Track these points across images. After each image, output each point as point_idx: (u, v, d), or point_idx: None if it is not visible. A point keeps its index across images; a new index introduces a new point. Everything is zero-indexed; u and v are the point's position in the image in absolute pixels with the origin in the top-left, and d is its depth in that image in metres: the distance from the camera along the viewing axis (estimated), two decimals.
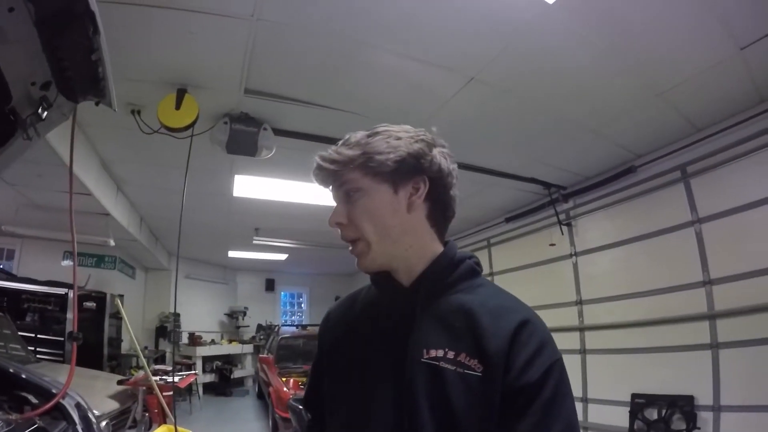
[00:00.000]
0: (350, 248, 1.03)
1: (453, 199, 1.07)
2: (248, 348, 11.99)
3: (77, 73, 1.76)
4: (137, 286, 10.60)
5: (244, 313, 12.53)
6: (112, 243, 7.27)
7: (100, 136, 4.57)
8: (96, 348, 7.41)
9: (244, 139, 3.88)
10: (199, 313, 11.36)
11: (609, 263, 5.42)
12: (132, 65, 3.22)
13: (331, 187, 1.05)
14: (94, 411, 3.67)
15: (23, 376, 1.97)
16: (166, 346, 10.34)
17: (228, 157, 4.26)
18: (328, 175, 1.02)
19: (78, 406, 1.94)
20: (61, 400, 1.83)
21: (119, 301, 5.28)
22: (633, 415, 4.74)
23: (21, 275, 7.97)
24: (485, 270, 7.35)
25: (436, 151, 1.02)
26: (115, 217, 6.16)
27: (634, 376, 4.89)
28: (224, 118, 3.84)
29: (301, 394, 5.49)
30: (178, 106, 3.41)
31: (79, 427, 1.82)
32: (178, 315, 10.36)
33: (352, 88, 3.55)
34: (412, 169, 0.99)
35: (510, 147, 4.63)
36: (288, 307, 14.41)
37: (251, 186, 5.69)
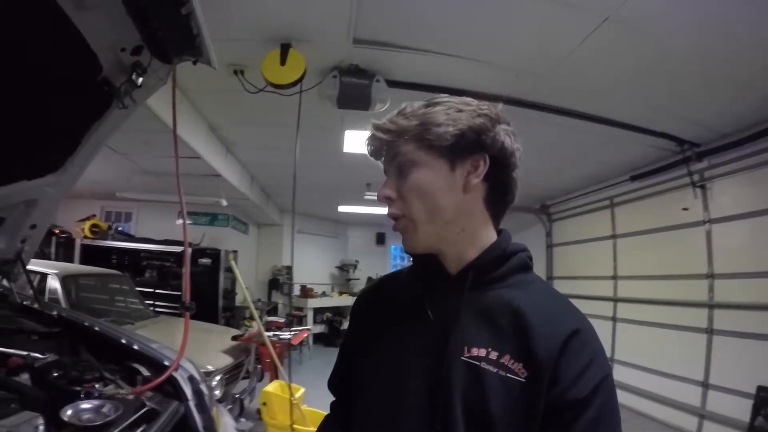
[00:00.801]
0: (394, 227, 0.97)
1: (515, 183, 0.99)
2: None
3: (168, 32, 1.59)
4: (250, 241, 11.13)
5: (355, 266, 12.74)
6: (224, 203, 7.61)
7: (204, 100, 4.59)
8: (211, 301, 7.81)
9: (355, 92, 3.65)
10: (311, 266, 11.63)
11: (747, 235, 4.72)
12: (231, 24, 3.09)
13: (383, 159, 0.99)
14: (208, 366, 3.79)
15: (135, 347, 1.96)
16: (278, 298, 10.84)
17: (338, 112, 4.11)
18: (381, 145, 0.97)
19: (191, 378, 1.87)
20: (174, 373, 1.78)
21: (233, 259, 5.39)
22: (756, 410, 4.24)
23: (139, 236, 8.57)
24: (607, 232, 6.54)
25: (499, 128, 0.94)
26: (225, 178, 6.35)
27: (764, 366, 4.35)
28: (333, 72, 3.62)
29: None
30: (283, 62, 3.23)
31: (191, 404, 1.76)
32: (290, 268, 10.68)
33: (474, 32, 3.17)
34: (472, 145, 0.92)
35: (640, 97, 4.05)
36: (398, 261, 14.35)
37: (362, 141, 5.38)
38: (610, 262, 6.52)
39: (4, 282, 2.22)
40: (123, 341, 2.01)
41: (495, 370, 0.85)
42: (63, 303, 4.25)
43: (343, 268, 12.77)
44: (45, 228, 2.21)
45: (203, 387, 1.95)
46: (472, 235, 0.95)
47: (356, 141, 5.49)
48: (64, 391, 1.53)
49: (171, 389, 1.76)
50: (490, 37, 3.21)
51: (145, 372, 1.84)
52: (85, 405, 1.42)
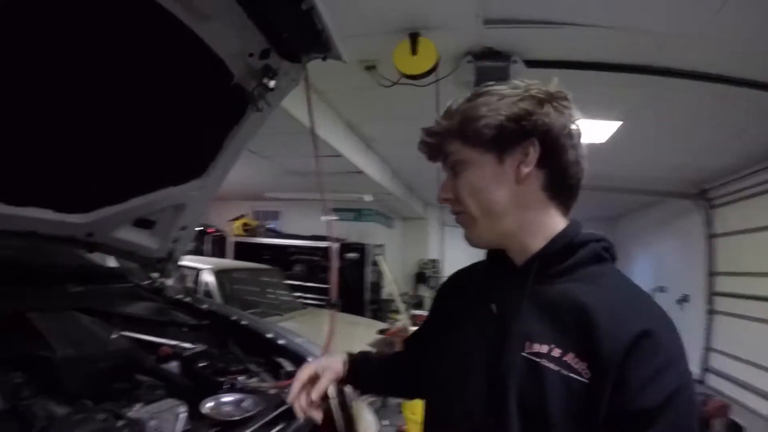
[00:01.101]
0: (459, 222, 0.97)
1: (575, 163, 0.92)
2: None
3: (292, 32, 1.62)
4: (396, 235, 11.40)
5: None
6: (368, 198, 7.85)
7: (340, 99, 4.67)
8: (358, 294, 8.11)
9: (493, 76, 3.36)
10: (458, 258, 11.32)
11: None
12: (356, 19, 3.06)
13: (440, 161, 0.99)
14: None
15: (280, 342, 2.02)
16: (424, 292, 10.93)
17: None
18: (430, 149, 0.99)
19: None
20: None
21: (381, 256, 5.53)
22: None
23: (287, 233, 9.13)
24: None
25: (548, 107, 0.88)
26: (368, 174, 6.52)
27: None
28: (467, 57, 3.46)
29: None
30: (414, 52, 3.16)
31: (332, 402, 1.75)
32: (436, 261, 10.96)
33: None
34: (515, 133, 0.88)
35: None
36: None
37: None
38: None
39: (159, 278, 2.42)
40: (269, 335, 2.08)
41: (557, 368, 0.81)
42: (216, 295, 4.64)
43: None
44: (194, 228, 2.39)
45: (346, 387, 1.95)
46: (534, 226, 0.92)
47: None
48: (208, 381, 1.61)
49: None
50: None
51: (289, 367, 1.87)
52: (226, 398, 1.47)
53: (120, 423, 1.19)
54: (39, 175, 1.65)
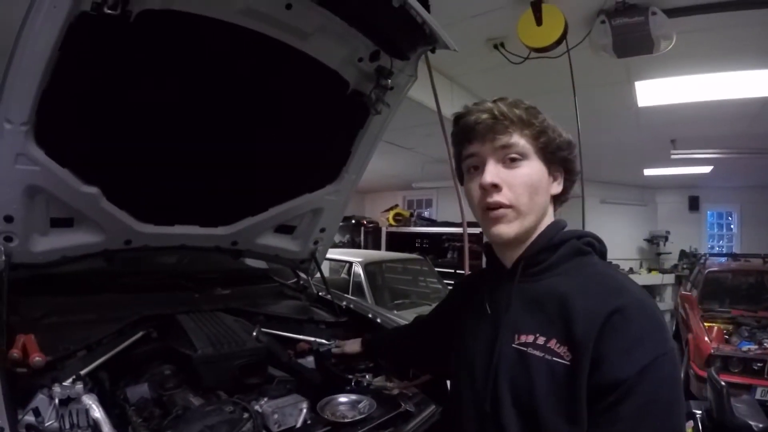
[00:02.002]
0: (491, 213, 1.00)
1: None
2: (669, 278, 10.77)
3: (394, 30, 1.70)
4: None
5: (666, 238, 11.24)
6: None
7: (473, 81, 4.65)
8: None
9: (632, 34, 3.14)
10: (618, 238, 10.57)
11: None
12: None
13: (480, 144, 1.01)
14: None
15: None
16: None
17: (620, 62, 3.65)
18: (495, 127, 0.99)
19: None
20: None
21: None
22: None
23: (440, 220, 9.23)
24: None
25: (576, 152, 1.09)
26: None
27: None
28: (600, 17, 3.18)
29: (725, 348, 4.76)
30: (539, 22, 3.00)
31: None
32: None
33: None
34: (560, 158, 1.05)
35: None
36: (715, 230, 12.16)
37: (657, 91, 4.88)
38: None
39: (303, 276, 2.63)
40: None
41: (541, 354, 0.91)
42: (365, 287, 4.90)
43: (653, 240, 11.38)
44: (335, 229, 2.57)
45: None
46: (537, 230, 1.04)
47: (651, 92, 4.88)
48: (337, 377, 1.73)
49: (437, 389, 1.79)
50: None
51: None
52: (343, 399, 1.56)
53: (245, 415, 1.33)
54: (185, 197, 1.95)
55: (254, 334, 1.74)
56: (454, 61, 3.88)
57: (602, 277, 0.97)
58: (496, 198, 0.98)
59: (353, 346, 1.74)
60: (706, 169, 8.85)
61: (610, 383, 0.80)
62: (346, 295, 2.73)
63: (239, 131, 1.84)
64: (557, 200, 1.10)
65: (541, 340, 0.92)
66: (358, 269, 5.06)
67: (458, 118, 1.06)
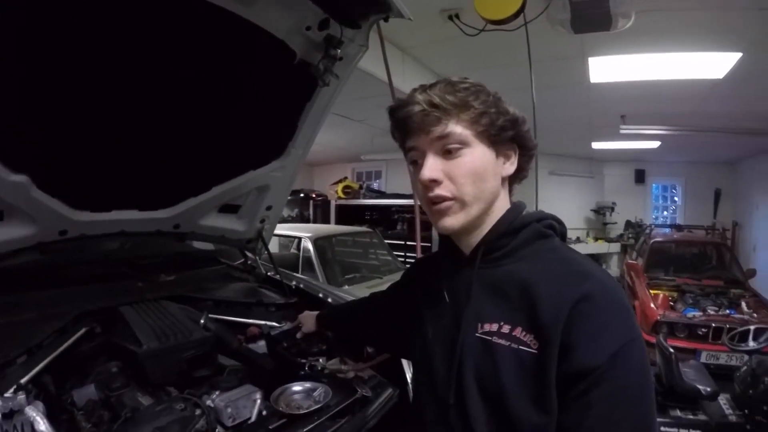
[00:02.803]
0: (435, 207, 0.98)
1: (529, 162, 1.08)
2: (615, 247, 11.52)
3: None
4: None
5: (612, 209, 11.87)
6: None
7: (427, 53, 4.68)
8: None
9: (590, 10, 3.17)
10: (566, 209, 10.79)
11: None
12: None
13: (417, 138, 0.98)
14: None
15: None
16: None
17: (575, 38, 3.70)
18: (427, 119, 0.95)
19: None
20: None
21: None
22: None
23: (389, 192, 9.28)
24: None
25: (526, 125, 1.04)
26: None
27: None
28: None
29: (670, 315, 5.12)
30: None
31: (409, 388, 1.77)
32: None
33: None
34: (509, 137, 1.01)
35: None
36: (660, 201, 12.97)
37: (610, 68, 5.03)
38: None
39: (251, 256, 2.58)
40: None
41: (507, 343, 0.90)
42: (315, 262, 4.87)
43: (599, 211, 12.00)
44: (281, 207, 2.50)
45: None
46: (491, 211, 1.01)
47: (604, 68, 5.02)
48: (290, 363, 1.67)
49: (392, 370, 1.81)
50: None
51: (370, 348, 1.90)
52: (297, 387, 1.52)
53: (197, 411, 1.29)
54: (121, 180, 1.83)
55: (201, 322, 1.68)
56: (407, 32, 3.86)
57: (565, 261, 0.96)
58: (438, 192, 0.96)
59: (309, 323, 1.69)
60: (654, 144, 9.24)
61: (581, 371, 0.81)
62: (295, 274, 2.68)
63: (177, 106, 1.72)
64: (514, 178, 1.07)
65: (505, 329, 0.91)
66: (308, 244, 5.03)
67: (392, 112, 1.02)
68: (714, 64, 4.68)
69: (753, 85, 5.22)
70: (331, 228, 6.91)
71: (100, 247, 2.20)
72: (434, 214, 0.99)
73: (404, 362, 1.86)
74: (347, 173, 10.96)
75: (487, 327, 0.93)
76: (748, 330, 4.67)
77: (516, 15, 3.07)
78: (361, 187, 9.40)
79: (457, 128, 0.95)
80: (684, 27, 3.92)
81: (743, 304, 5.42)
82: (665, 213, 12.89)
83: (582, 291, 0.85)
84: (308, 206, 9.46)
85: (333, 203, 9.09)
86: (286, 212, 10.13)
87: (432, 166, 0.96)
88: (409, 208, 8.57)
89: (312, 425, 1.37)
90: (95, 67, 1.43)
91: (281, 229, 5.73)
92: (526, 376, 0.86)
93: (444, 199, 0.96)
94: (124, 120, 1.63)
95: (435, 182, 0.96)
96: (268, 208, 2.37)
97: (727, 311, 5.31)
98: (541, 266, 0.95)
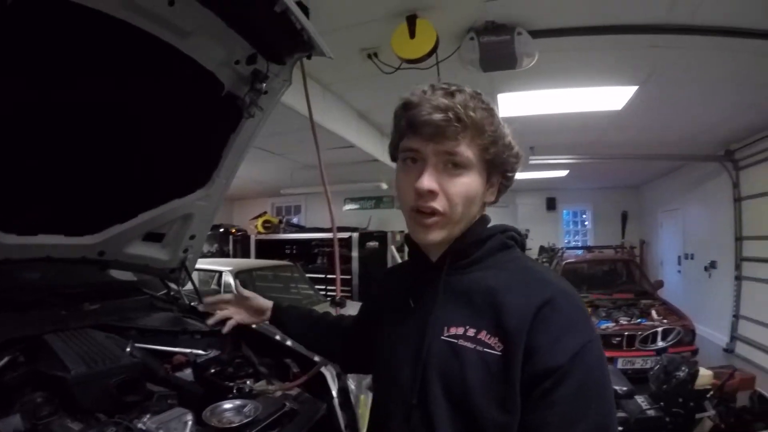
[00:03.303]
0: (424, 219, 1.00)
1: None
2: None
3: (273, 34, 1.74)
4: None
5: (526, 236, 12.23)
6: (384, 186, 8.17)
7: (348, 89, 4.88)
8: None
9: (497, 51, 3.48)
10: None
11: None
12: (354, 7, 3.21)
13: (425, 143, 0.97)
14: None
15: (288, 344, 2.15)
16: None
17: (485, 75, 3.94)
18: (440, 133, 0.95)
19: (340, 375, 2.04)
20: (322, 369, 1.94)
21: (393, 246, 5.76)
22: None
23: (309, 226, 9.38)
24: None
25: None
26: (384, 162, 6.72)
27: None
28: (469, 34, 3.50)
29: None
30: (412, 35, 3.23)
31: (335, 401, 1.90)
32: None
33: None
34: (503, 170, 1.06)
35: None
36: (571, 226, 13.81)
37: (518, 103, 5.35)
38: None
39: (174, 287, 2.58)
40: (277, 337, 2.20)
41: (472, 346, 0.93)
42: None
43: None
44: (204, 236, 2.53)
45: (350, 383, 2.10)
46: (465, 228, 1.06)
47: (512, 103, 5.31)
48: (218, 387, 1.73)
49: (318, 388, 1.90)
50: None
51: (295, 368, 2.00)
52: (227, 405, 1.58)
53: None
54: (47, 204, 1.84)
55: (128, 350, 1.70)
56: (328, 69, 3.99)
57: (527, 270, 1.01)
58: (431, 204, 0.97)
59: (253, 309, 1.60)
60: (563, 173, 9.90)
61: (545, 371, 0.85)
62: None
63: (107, 131, 1.77)
64: (491, 202, 1.11)
65: (471, 332, 0.94)
66: (228, 278, 5.02)
67: (408, 106, 1.00)
68: (613, 97, 5.14)
69: (648, 115, 5.73)
70: (252, 262, 6.92)
71: (23, 274, 2.14)
72: (418, 224, 1.01)
73: (329, 379, 1.95)
74: (267, 208, 10.95)
75: (453, 330, 0.96)
76: (656, 332, 5.20)
77: (429, 55, 3.32)
78: (280, 222, 9.46)
79: (467, 151, 0.97)
80: (584, 65, 4.30)
81: (653, 312, 5.96)
82: (576, 237, 13.68)
83: (544, 297, 0.90)
84: (228, 241, 9.34)
85: (253, 238, 9.06)
86: (205, 248, 9.81)
87: (432, 177, 0.97)
88: (328, 242, 8.68)
89: None
90: (32, 87, 1.47)
91: (201, 263, 5.67)
92: (490, 378, 0.89)
93: (434, 212, 0.98)
94: (52, 144, 1.66)
95: (432, 194, 0.97)
96: (192, 237, 2.40)
97: (639, 320, 5.83)
98: (505, 275, 0.99)
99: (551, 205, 13.15)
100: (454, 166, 0.97)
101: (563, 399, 0.84)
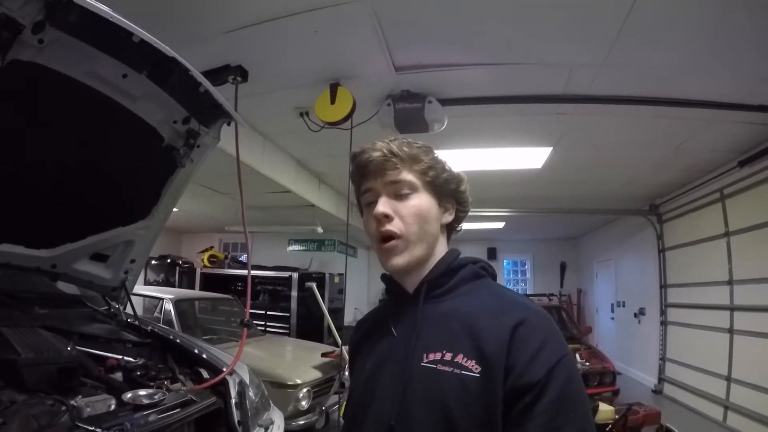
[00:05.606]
0: (384, 245, 1.08)
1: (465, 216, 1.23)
2: None
3: (199, 106, 2.23)
4: (360, 263, 11.98)
5: None
6: (320, 230, 8.81)
7: (287, 140, 5.41)
8: (318, 321, 8.41)
9: (410, 116, 3.94)
10: None
11: None
12: (288, 73, 3.67)
13: (374, 180, 1.11)
14: (296, 380, 4.52)
15: (204, 356, 2.60)
16: None
17: (408, 135, 4.32)
18: (386, 164, 1.08)
19: (241, 383, 2.47)
20: (227, 377, 2.41)
21: (313, 286, 6.20)
22: None
23: (253, 263, 9.72)
24: (719, 230, 6.13)
25: (466, 185, 1.18)
26: (320, 207, 7.16)
27: None
28: (387, 100, 3.99)
29: None
30: (333, 101, 3.69)
31: (232, 401, 2.35)
32: None
33: (509, 33, 3.20)
34: (451, 192, 1.15)
35: (725, 65, 3.49)
36: (512, 276, 14.33)
37: (446, 158, 5.52)
38: (724, 265, 5.92)
39: (114, 304, 2.95)
40: (195, 351, 2.64)
41: (450, 369, 0.95)
42: (175, 323, 5.12)
43: None
44: (143, 261, 2.93)
45: (251, 392, 2.56)
46: (432, 255, 1.13)
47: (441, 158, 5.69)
48: (142, 386, 2.12)
49: (223, 389, 2.37)
50: (532, 38, 3.21)
51: (206, 374, 2.45)
52: (143, 392, 2.01)
53: (63, 407, 1.69)
54: (13, 219, 2.24)
55: (69, 348, 2.08)
56: (270, 121, 4.50)
57: (499, 296, 1.06)
58: (388, 227, 1.07)
59: None
60: (500, 225, 10.53)
61: (524, 386, 0.88)
62: (152, 321, 3.08)
63: (70, 167, 2.20)
64: (451, 229, 1.18)
65: (448, 356, 0.97)
66: (169, 306, 5.26)
67: (354, 157, 1.13)
68: (532, 157, 5.61)
69: (568, 173, 6.21)
70: (194, 293, 7.19)
71: None
72: (384, 252, 1.09)
73: (231, 385, 2.41)
74: (214, 243, 11.19)
75: (431, 356, 0.99)
76: None
77: (346, 119, 3.78)
78: (226, 257, 9.73)
79: (408, 176, 1.08)
80: (496, 129, 4.78)
81: (577, 356, 6.31)
82: (517, 286, 14.13)
83: (518, 318, 0.94)
84: (174, 272, 9.56)
85: (198, 271, 9.34)
86: (152, 277, 10.15)
87: (385, 204, 1.07)
88: (270, 280, 9.05)
89: (150, 411, 1.87)
90: (12, 122, 1.90)
91: (146, 290, 5.98)
92: (470, 399, 0.91)
93: (392, 236, 1.07)
94: (21, 173, 2.08)
95: (387, 218, 1.06)
96: (132, 261, 2.79)
97: None
98: (479, 301, 1.04)
99: (492, 255, 13.65)
100: (402, 191, 1.08)
101: (544, 410, 0.86)
